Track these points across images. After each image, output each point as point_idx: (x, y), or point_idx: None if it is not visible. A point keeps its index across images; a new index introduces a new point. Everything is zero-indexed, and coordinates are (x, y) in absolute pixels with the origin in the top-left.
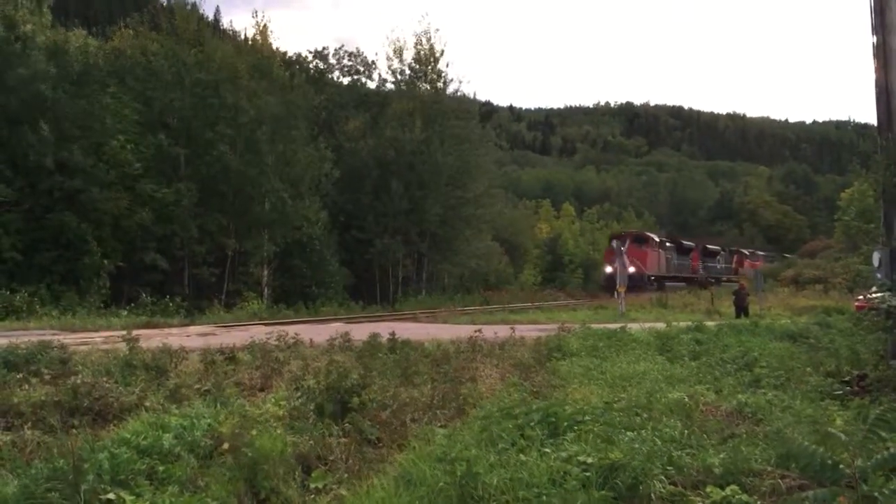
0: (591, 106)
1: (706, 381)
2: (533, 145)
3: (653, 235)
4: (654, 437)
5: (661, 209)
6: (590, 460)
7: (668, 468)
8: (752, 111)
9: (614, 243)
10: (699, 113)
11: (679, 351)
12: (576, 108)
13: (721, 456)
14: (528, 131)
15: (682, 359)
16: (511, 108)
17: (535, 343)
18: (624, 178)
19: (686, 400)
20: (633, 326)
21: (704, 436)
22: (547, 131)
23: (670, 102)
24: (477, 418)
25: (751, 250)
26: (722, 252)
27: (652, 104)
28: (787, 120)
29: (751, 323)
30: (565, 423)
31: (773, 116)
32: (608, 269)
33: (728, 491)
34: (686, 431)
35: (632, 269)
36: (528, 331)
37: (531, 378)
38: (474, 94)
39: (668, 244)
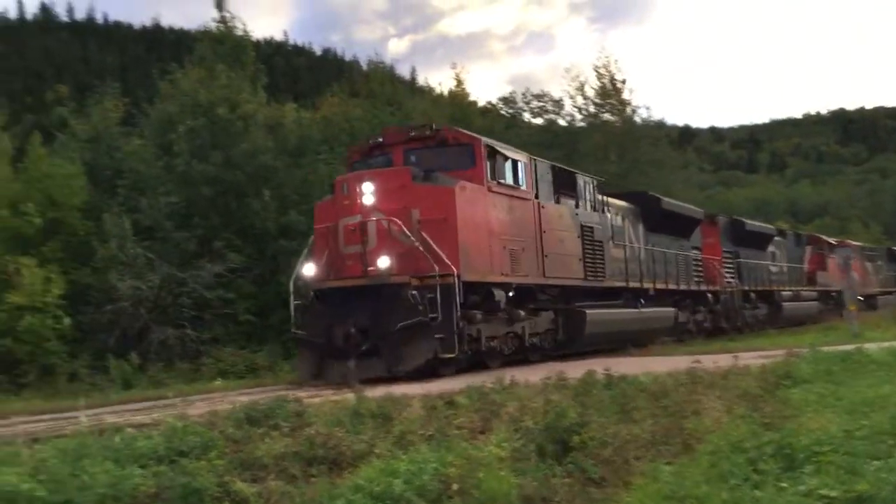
0: (799, 117)
1: None
2: (739, 164)
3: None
4: None
5: (887, 218)
6: (833, 494)
7: None
8: None
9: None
10: None
11: None
12: (782, 120)
13: None
14: (732, 150)
15: None
16: (712, 128)
17: (761, 371)
18: (843, 189)
19: None
20: (871, 347)
21: None
22: (752, 148)
23: (889, 104)
24: (704, 453)
25: (838, 240)
26: (778, 237)
27: (868, 107)
28: None
29: None
30: (802, 455)
31: None
32: (307, 270)
33: None
34: None
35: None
36: (751, 358)
37: (760, 408)
38: (663, 119)
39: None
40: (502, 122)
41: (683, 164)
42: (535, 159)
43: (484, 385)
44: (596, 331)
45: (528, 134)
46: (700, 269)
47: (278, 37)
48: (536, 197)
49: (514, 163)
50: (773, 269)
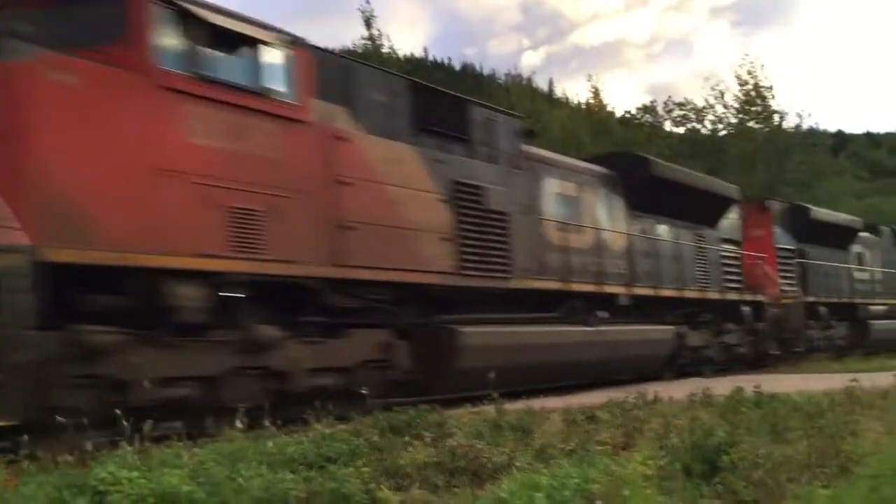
0: None
1: None
2: None
3: None
4: None
5: None
6: None
7: None
8: None
9: None
10: None
11: None
12: None
13: None
14: (890, 157)
15: None
16: (868, 134)
17: None
18: None
19: None
20: None
21: None
22: None
23: None
24: (863, 477)
25: None
26: (866, 233)
27: None
28: None
29: None
30: None
31: None
32: None
33: None
34: None
35: None
36: None
37: None
38: (815, 125)
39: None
40: (643, 132)
41: (837, 172)
42: (330, 53)
43: (626, 400)
44: (481, 362)
45: (668, 144)
46: (736, 270)
47: (417, 52)
48: (330, 120)
49: (254, 45)
50: (859, 275)
